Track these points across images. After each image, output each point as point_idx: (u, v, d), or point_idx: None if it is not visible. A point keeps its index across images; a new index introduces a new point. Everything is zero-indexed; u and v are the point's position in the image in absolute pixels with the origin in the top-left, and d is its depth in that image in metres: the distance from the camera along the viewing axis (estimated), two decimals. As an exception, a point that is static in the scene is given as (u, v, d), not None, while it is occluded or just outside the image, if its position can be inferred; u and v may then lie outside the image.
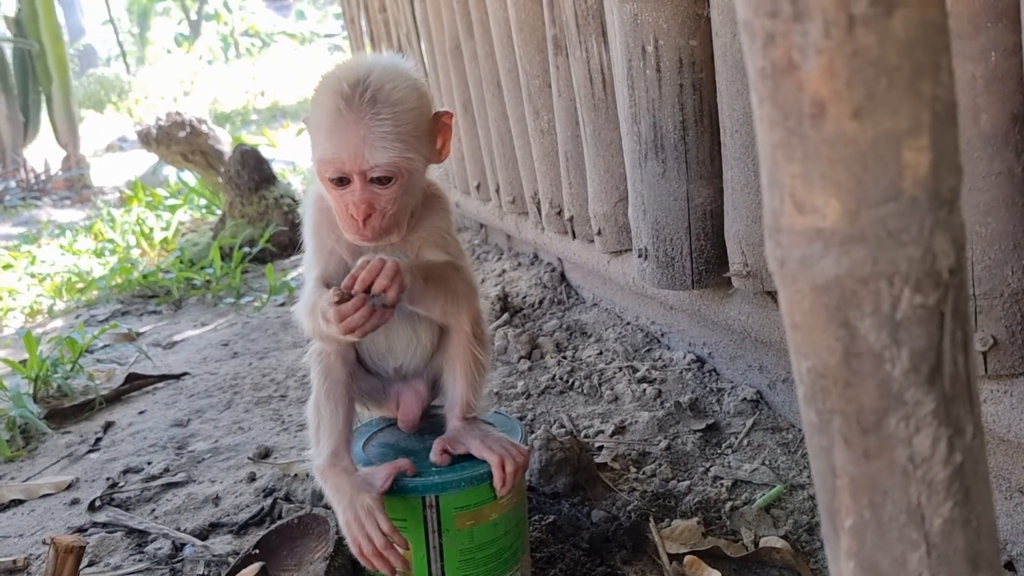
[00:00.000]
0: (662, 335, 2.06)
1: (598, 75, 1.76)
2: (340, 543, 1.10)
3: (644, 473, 1.51)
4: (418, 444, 1.11)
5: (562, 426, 1.71)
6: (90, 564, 1.43)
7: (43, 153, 9.15)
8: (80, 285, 3.88)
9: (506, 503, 1.01)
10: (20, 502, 1.75)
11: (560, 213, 2.21)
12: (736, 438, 1.59)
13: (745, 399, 1.69)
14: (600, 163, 1.83)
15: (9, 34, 8.99)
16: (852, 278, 0.52)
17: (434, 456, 1.05)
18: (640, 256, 1.63)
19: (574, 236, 2.16)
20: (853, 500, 0.57)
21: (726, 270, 1.48)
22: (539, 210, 2.36)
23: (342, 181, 1.02)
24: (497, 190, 2.77)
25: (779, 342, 1.42)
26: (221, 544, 1.43)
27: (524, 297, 2.55)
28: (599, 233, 1.91)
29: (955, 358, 0.52)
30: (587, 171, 1.92)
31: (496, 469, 1.01)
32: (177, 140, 4.95)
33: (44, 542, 1.53)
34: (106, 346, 2.73)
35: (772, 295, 1.40)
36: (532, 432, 1.60)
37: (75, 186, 8.57)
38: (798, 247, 0.54)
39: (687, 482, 1.46)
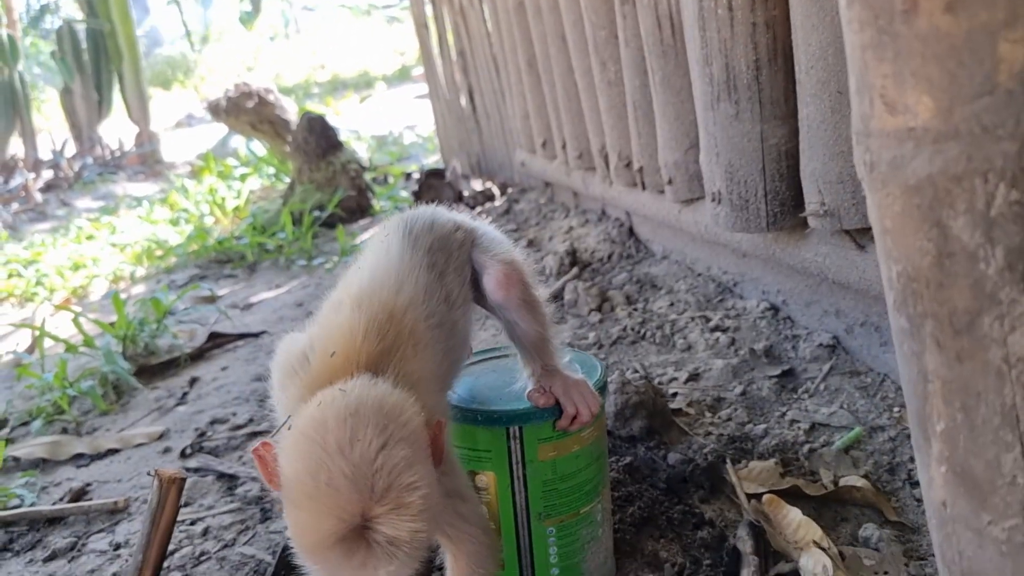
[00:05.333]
0: (735, 284, 2.05)
1: (667, 20, 1.74)
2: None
3: (719, 418, 1.51)
4: (499, 379, 1.11)
5: (635, 371, 1.71)
6: (186, 504, 1.50)
7: (117, 130, 9.45)
8: (159, 252, 4.03)
9: (588, 436, 1.02)
10: (116, 451, 1.84)
11: (629, 165, 2.20)
12: (813, 383, 1.57)
13: (821, 344, 1.67)
14: (670, 111, 1.81)
15: (81, 15, 9.26)
16: (945, 176, 0.51)
17: (536, 396, 0.99)
18: (713, 200, 1.62)
19: (644, 187, 2.15)
20: (945, 404, 0.56)
21: (801, 211, 1.46)
22: (607, 163, 2.35)
23: None
24: (564, 146, 2.76)
25: (857, 283, 1.40)
26: (307, 486, 1.49)
27: (592, 252, 2.55)
28: (670, 182, 1.90)
29: (1053, 255, 0.51)
30: (656, 120, 1.90)
31: (565, 419, 0.99)
32: (245, 110, 5.06)
33: (148, 474, 1.62)
34: (187, 308, 2.84)
35: (850, 234, 1.37)
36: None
37: (148, 161, 8.84)
38: (889, 148, 0.54)
39: (763, 426, 1.46)
